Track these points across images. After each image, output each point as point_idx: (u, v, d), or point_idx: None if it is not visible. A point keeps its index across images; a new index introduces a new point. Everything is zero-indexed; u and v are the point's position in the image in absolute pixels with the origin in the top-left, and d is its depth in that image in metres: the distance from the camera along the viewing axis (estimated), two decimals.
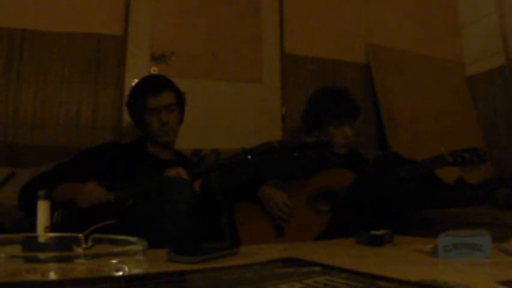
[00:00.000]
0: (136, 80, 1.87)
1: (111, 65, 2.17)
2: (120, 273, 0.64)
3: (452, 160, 1.75)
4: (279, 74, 2.49)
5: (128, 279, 0.64)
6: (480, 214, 1.78)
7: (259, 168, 1.77)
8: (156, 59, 2.26)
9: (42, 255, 0.62)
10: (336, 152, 1.93)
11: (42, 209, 0.98)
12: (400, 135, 2.50)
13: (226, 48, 2.40)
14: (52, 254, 0.63)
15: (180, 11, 2.34)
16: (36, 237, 0.86)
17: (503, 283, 0.63)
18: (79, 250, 0.77)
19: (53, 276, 0.60)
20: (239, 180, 1.79)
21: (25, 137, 1.99)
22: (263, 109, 2.43)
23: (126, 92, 1.93)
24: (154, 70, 2.23)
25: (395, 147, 2.40)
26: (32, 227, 0.98)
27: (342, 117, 1.90)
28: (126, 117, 1.92)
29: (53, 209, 1.03)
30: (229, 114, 2.33)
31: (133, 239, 0.75)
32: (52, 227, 0.99)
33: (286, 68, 2.50)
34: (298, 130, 2.34)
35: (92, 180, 1.46)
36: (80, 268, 0.62)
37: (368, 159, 2.02)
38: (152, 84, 1.73)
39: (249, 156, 1.54)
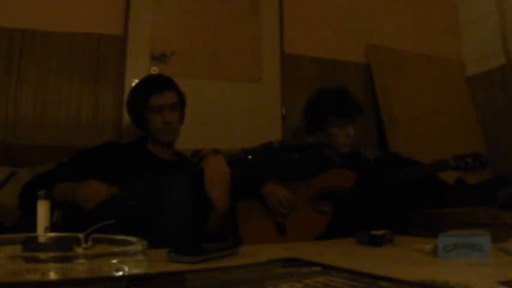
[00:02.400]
0: (136, 80, 1.87)
1: (111, 65, 2.17)
2: (120, 273, 0.64)
3: (455, 165, 1.77)
4: (279, 74, 2.49)
5: (128, 279, 0.64)
6: (480, 214, 1.78)
7: (259, 169, 1.77)
8: (156, 59, 2.26)
9: (42, 255, 0.62)
10: (339, 152, 1.93)
11: (42, 209, 0.98)
12: (400, 135, 2.50)
13: (226, 48, 2.40)
14: (52, 254, 0.62)
15: (180, 11, 2.34)
16: (36, 237, 0.86)
17: (503, 283, 0.63)
18: (79, 250, 0.77)
19: (53, 276, 0.60)
20: (239, 180, 1.79)
21: (25, 137, 1.99)
22: (263, 109, 2.43)
23: (126, 92, 1.94)
24: (154, 70, 2.23)
25: (395, 147, 2.40)
26: (32, 227, 0.97)
27: (346, 117, 1.90)
28: (126, 117, 1.92)
29: (52, 209, 1.03)
30: (229, 114, 2.33)
31: (133, 239, 0.75)
32: (52, 227, 0.99)
33: (286, 68, 2.50)
34: (299, 130, 2.34)
35: (92, 179, 1.45)
36: (80, 268, 0.62)
37: (369, 159, 2.02)
38: (156, 83, 1.73)
39: (249, 156, 1.55)
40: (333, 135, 1.90)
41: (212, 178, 1.47)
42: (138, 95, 1.73)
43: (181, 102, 1.75)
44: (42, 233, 0.95)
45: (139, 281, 0.65)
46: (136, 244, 0.72)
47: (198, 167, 1.51)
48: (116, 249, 0.74)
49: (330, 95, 1.98)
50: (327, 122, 1.91)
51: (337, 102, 1.93)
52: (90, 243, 0.78)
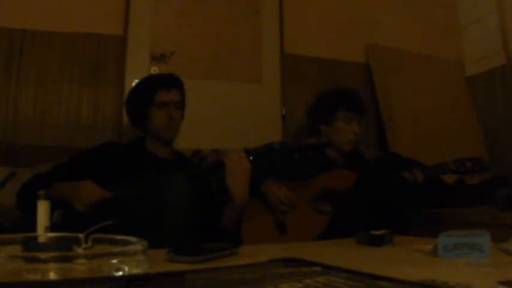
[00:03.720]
0: (136, 80, 1.87)
1: (111, 65, 2.17)
2: (120, 273, 0.64)
3: (454, 168, 1.80)
4: (279, 74, 2.49)
5: (128, 279, 0.64)
6: (480, 214, 1.78)
7: (260, 169, 1.77)
8: (156, 59, 2.26)
9: (42, 255, 0.62)
10: (341, 149, 1.93)
11: (42, 209, 0.98)
12: (400, 135, 2.50)
13: (226, 48, 2.40)
14: (52, 254, 0.62)
15: (180, 11, 2.34)
16: (36, 237, 0.86)
17: (503, 283, 0.63)
18: (79, 250, 0.77)
19: (53, 276, 0.60)
20: None
21: (25, 137, 1.99)
22: (263, 109, 2.43)
23: (126, 92, 1.93)
24: (154, 70, 2.23)
25: (395, 147, 2.40)
26: (32, 227, 0.97)
27: (354, 112, 1.91)
28: (126, 117, 1.92)
29: (52, 209, 1.03)
30: (229, 114, 2.33)
31: (133, 239, 0.75)
32: (52, 227, 0.99)
33: (286, 68, 2.50)
34: (300, 130, 2.34)
35: (87, 180, 1.44)
36: (80, 268, 0.62)
37: (369, 159, 2.02)
38: (165, 79, 1.74)
39: (250, 157, 1.55)
40: (338, 130, 1.91)
41: (233, 172, 1.48)
42: (143, 90, 1.73)
43: (183, 101, 1.76)
44: (42, 233, 0.95)
45: (139, 281, 0.65)
46: (136, 244, 0.72)
47: (218, 160, 1.52)
48: (116, 249, 0.74)
49: (342, 90, 2.00)
50: (335, 116, 1.91)
51: (350, 96, 1.95)
52: (90, 243, 0.78)
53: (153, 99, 1.68)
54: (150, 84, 1.73)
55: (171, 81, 1.73)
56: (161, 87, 1.69)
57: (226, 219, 1.53)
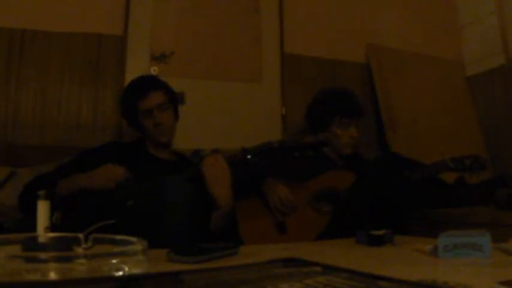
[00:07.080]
0: None
1: (111, 65, 2.17)
2: (120, 273, 0.64)
3: (453, 166, 1.79)
4: (279, 74, 2.49)
5: (128, 279, 0.64)
6: (480, 214, 1.78)
7: (258, 168, 1.77)
8: (156, 58, 2.26)
9: (42, 255, 0.62)
10: (341, 152, 1.93)
11: (42, 209, 0.98)
12: (400, 135, 2.50)
13: (226, 48, 2.40)
14: (52, 254, 0.63)
15: (180, 11, 2.34)
16: (36, 237, 0.86)
17: (503, 283, 0.63)
18: (79, 250, 0.77)
19: (53, 276, 0.60)
20: (238, 179, 1.79)
21: (25, 137, 1.99)
22: (263, 109, 2.43)
23: None
24: (154, 70, 2.23)
25: (395, 147, 2.40)
26: (32, 227, 0.97)
27: (349, 117, 1.91)
28: None
29: (52, 210, 1.03)
30: (229, 114, 2.33)
31: (134, 239, 0.75)
32: (52, 228, 0.99)
33: (286, 68, 2.50)
34: (301, 130, 2.34)
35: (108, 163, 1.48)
36: (80, 268, 0.62)
37: (367, 158, 2.02)
38: (139, 87, 1.72)
39: (249, 156, 1.54)
40: (335, 136, 1.91)
41: (211, 177, 1.47)
42: (127, 101, 1.73)
43: (171, 100, 1.74)
44: (42, 233, 0.95)
45: (139, 281, 0.65)
46: (136, 244, 0.72)
47: (195, 168, 1.51)
48: (116, 249, 0.74)
49: (335, 95, 1.98)
50: (331, 122, 1.91)
51: (343, 102, 1.93)
52: (90, 243, 0.78)
53: (136, 109, 1.68)
54: (130, 95, 1.72)
55: (147, 86, 1.70)
56: (140, 95, 1.67)
57: (213, 223, 1.51)
